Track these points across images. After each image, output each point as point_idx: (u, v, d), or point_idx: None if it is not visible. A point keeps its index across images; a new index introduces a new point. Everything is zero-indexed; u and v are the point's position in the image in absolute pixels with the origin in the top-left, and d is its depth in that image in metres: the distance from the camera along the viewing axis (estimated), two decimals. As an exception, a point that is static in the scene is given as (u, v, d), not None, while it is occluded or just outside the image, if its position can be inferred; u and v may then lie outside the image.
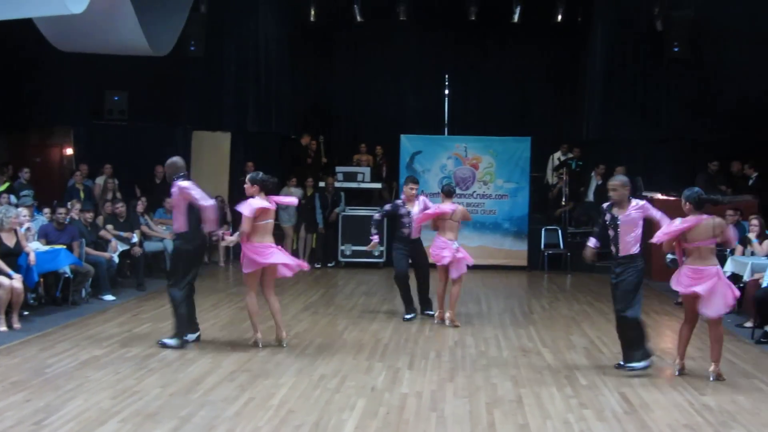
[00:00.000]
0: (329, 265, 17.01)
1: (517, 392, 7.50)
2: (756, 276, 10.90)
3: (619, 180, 8.42)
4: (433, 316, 11.11)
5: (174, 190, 9.05)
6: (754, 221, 12.18)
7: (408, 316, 11.07)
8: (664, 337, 10.41)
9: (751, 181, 15.73)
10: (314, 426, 6.37)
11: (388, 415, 6.71)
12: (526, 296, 13.97)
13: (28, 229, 11.42)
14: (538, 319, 11.48)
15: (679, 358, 8.27)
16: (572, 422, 6.62)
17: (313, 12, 18.83)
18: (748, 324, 10.62)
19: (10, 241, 10.27)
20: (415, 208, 11.07)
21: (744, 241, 12.20)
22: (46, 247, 11.22)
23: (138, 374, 7.82)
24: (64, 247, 11.44)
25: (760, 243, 11.85)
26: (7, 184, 14.94)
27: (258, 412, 6.69)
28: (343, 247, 16.93)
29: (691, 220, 7.90)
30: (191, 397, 7.09)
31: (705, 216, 7.93)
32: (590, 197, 17.76)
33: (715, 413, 6.93)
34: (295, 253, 17.22)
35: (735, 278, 11.72)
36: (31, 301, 11.06)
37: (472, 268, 16.01)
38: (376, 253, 16.61)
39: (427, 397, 7.28)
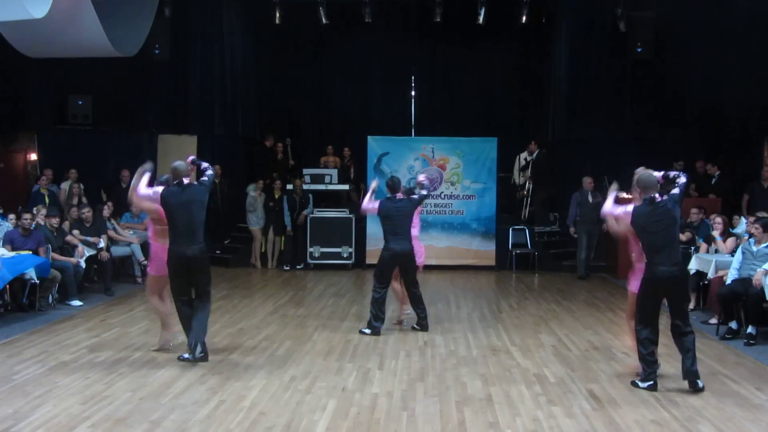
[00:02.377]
0: (298, 267, 16.98)
1: (486, 391, 7.56)
2: (720, 273, 11.04)
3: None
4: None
5: None
6: (718, 219, 12.34)
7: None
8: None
9: (714, 180, 15.94)
10: (285, 427, 6.39)
11: (359, 415, 6.74)
12: (494, 296, 14.04)
13: (-7, 235, 11.32)
14: (507, 319, 11.55)
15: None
16: (541, 419, 6.69)
17: (278, 14, 18.81)
18: (713, 321, 10.78)
19: (-25, 248, 10.17)
20: None
21: (708, 239, 12.36)
22: (12, 254, 11.11)
23: (107, 379, 7.78)
24: (30, 252, 11.33)
25: (724, 241, 12.01)
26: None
27: (229, 415, 6.69)
28: (311, 249, 16.91)
29: None
30: (161, 401, 7.06)
31: None
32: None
33: (682, 408, 7.03)
34: (263, 256, 17.26)
35: (699, 276, 11.91)
36: (-3, 308, 10.98)
37: (441, 267, 16.12)
38: (345, 255, 16.66)
39: (398, 396, 7.31)
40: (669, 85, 17.19)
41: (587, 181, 16.23)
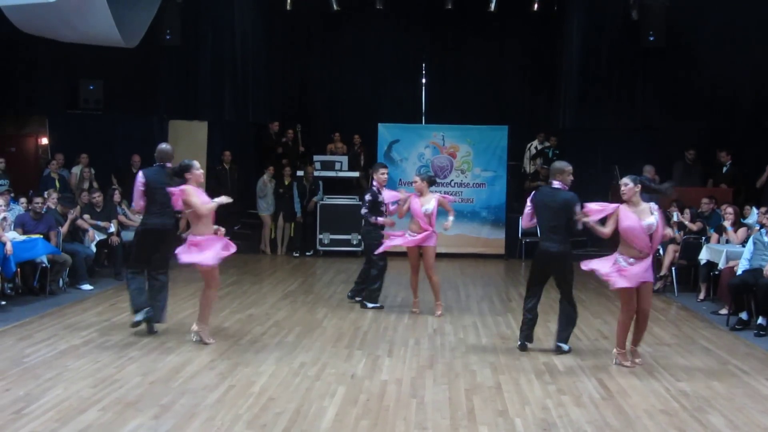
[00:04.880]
0: (307, 253, 16.99)
1: (496, 379, 7.56)
2: (731, 264, 11.00)
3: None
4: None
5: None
6: (729, 209, 12.30)
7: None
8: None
9: (725, 169, 15.82)
10: (295, 413, 6.41)
11: (369, 402, 6.75)
12: (504, 284, 14.04)
13: (4, 218, 11.34)
14: (516, 307, 11.51)
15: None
16: (550, 408, 6.69)
17: (289, 0, 18.78)
18: (723, 311, 10.76)
19: (-14, 231, 10.21)
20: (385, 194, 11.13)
21: (719, 230, 12.32)
22: (23, 237, 11.15)
23: (118, 363, 7.81)
24: (41, 236, 11.38)
25: (735, 231, 11.97)
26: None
27: (238, 400, 6.71)
28: (321, 236, 16.92)
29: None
30: (172, 386, 7.09)
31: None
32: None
33: (691, 399, 7.03)
34: (273, 242, 17.29)
35: (710, 266, 11.88)
36: (8, 291, 11.00)
37: (451, 256, 16.12)
38: (355, 242, 16.65)
39: (407, 384, 7.32)
40: (681, 74, 17.07)
41: (650, 171, 14.93)
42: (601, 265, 8.07)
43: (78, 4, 12.95)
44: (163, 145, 9.41)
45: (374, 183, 11.18)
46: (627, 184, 7.96)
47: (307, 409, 6.51)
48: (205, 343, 8.66)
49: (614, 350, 8.21)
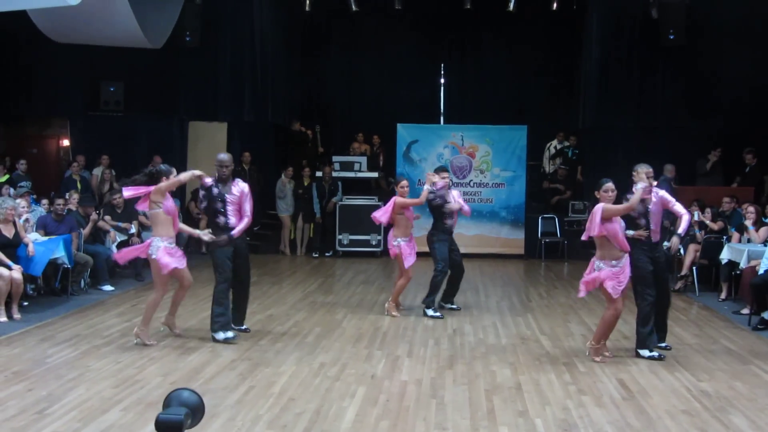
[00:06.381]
0: (327, 254, 17.03)
1: (516, 379, 7.54)
2: (753, 263, 10.93)
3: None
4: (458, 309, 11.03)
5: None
6: (750, 208, 12.22)
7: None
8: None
9: (747, 169, 15.69)
10: (315, 413, 6.41)
11: (389, 402, 6.75)
12: (523, 284, 14.01)
13: (26, 220, 11.43)
14: (536, 307, 11.51)
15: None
16: (571, 408, 6.66)
17: (308, 1, 18.82)
18: (745, 311, 10.69)
19: (8, 232, 10.26)
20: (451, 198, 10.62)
21: (740, 229, 12.24)
22: (45, 238, 11.22)
23: (139, 363, 7.85)
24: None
25: (757, 230, 11.89)
26: (6, 176, 14.96)
27: (259, 400, 6.73)
28: (340, 237, 16.94)
29: None
30: (192, 386, 7.02)
31: None
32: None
33: (713, 399, 6.98)
34: (293, 243, 17.33)
35: (731, 265, 11.80)
36: (31, 292, 11.08)
37: (470, 256, 16.11)
38: (374, 242, 16.67)
39: (427, 384, 7.31)
40: (702, 72, 16.96)
41: (671, 170, 15.10)
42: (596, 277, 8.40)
43: (101, 5, 13.05)
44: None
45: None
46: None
47: (327, 410, 6.52)
48: (146, 345, 8.61)
49: (590, 343, 8.46)
